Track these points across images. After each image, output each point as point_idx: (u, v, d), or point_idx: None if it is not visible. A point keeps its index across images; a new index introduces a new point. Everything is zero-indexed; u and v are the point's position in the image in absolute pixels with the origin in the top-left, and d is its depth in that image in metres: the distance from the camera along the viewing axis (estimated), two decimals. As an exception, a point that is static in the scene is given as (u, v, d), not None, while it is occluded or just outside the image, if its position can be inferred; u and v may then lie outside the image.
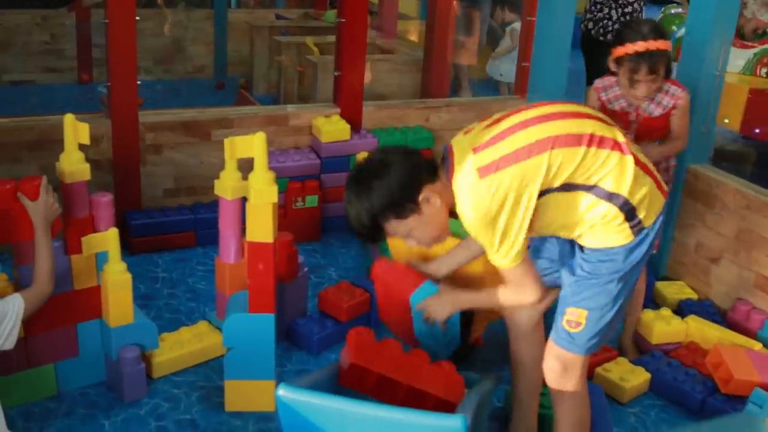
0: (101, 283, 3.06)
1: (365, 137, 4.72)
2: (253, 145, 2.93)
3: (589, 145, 2.37)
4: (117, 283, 3.01)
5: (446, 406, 2.59)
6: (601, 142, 2.39)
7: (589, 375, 3.38)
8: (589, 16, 6.71)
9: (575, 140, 2.37)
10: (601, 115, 2.55)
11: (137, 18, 4.17)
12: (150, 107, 4.84)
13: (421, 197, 2.43)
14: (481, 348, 3.55)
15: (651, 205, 2.47)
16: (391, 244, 3.41)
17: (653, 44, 3.28)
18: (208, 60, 8.60)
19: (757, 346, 3.61)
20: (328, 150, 4.59)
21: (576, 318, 2.51)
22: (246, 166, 3.06)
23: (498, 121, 2.47)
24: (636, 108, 3.53)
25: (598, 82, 3.63)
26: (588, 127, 2.42)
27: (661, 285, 4.18)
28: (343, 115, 4.75)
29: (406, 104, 5.14)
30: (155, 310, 3.78)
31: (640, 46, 3.29)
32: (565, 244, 2.62)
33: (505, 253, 2.39)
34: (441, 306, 2.88)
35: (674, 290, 4.15)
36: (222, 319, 3.21)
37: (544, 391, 3.13)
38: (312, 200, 4.49)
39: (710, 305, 4.02)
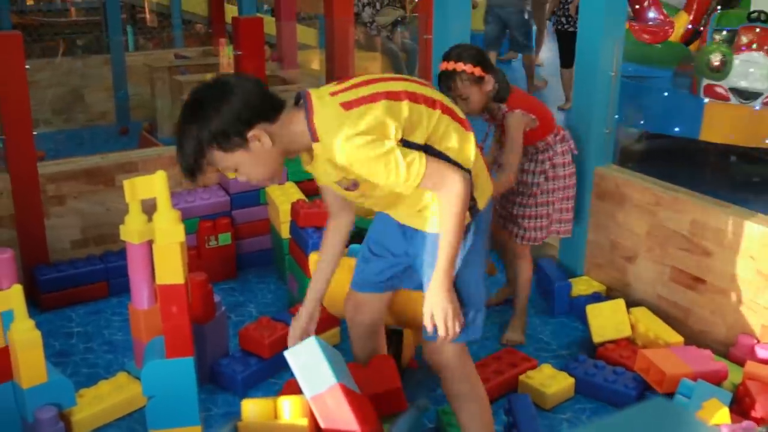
0: (9, 344, 2.93)
1: (274, 169, 4.65)
2: (154, 184, 2.86)
3: (443, 112, 2.44)
4: (26, 342, 2.88)
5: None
6: (449, 111, 2.48)
7: (513, 385, 3.40)
8: (558, 13, 8.82)
9: (430, 103, 2.43)
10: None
11: (27, 67, 4.06)
12: (53, 158, 4.70)
13: (251, 133, 2.27)
14: (411, 370, 3.51)
15: (484, 189, 2.56)
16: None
17: (444, 65, 3.48)
18: (109, 106, 8.43)
19: (678, 338, 3.63)
20: (236, 186, 4.51)
21: None
22: (153, 210, 2.98)
23: (347, 79, 2.48)
24: (488, 127, 3.86)
25: None
26: (438, 96, 2.50)
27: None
28: (249, 149, 4.67)
29: (312, 132, 5.08)
30: (72, 367, 3.65)
31: (440, 66, 3.50)
32: (412, 237, 2.61)
33: (410, 163, 2.30)
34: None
35: (584, 287, 4.20)
36: (141, 368, 3.11)
37: (446, 408, 3.08)
38: (225, 238, 4.40)
39: (602, 298, 4.09)
